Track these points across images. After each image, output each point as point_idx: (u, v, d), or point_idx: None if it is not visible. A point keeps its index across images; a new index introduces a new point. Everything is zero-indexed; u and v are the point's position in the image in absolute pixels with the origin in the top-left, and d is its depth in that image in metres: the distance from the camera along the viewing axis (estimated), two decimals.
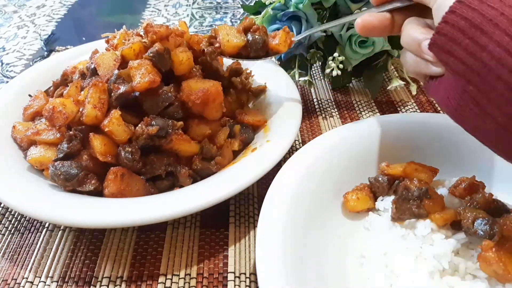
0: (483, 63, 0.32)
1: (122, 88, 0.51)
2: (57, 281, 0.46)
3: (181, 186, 0.51)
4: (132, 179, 0.50)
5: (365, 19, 0.45)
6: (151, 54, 0.53)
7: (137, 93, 0.52)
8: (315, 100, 0.78)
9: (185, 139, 0.52)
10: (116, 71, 0.53)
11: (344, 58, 0.69)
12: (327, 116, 0.73)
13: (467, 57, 0.33)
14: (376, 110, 0.75)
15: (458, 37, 0.33)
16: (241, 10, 1.22)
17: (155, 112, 0.52)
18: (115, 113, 0.50)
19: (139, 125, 0.51)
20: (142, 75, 0.51)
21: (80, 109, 0.52)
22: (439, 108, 0.75)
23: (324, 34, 0.68)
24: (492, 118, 0.33)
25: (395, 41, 0.70)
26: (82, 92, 0.54)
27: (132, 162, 0.49)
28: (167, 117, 0.52)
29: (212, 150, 0.54)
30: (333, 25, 0.56)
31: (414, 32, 0.40)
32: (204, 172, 0.53)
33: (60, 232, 0.52)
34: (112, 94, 0.51)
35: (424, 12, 0.41)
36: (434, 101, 0.77)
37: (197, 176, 0.53)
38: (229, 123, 0.58)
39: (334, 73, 0.69)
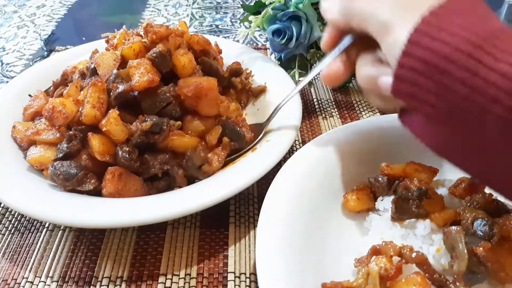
0: (452, 103, 0.30)
1: (121, 87, 0.51)
2: (57, 281, 0.46)
3: (180, 186, 0.51)
4: (130, 179, 0.50)
5: (327, 70, 0.43)
6: (153, 55, 0.53)
7: (136, 93, 0.52)
8: (315, 100, 0.78)
9: (179, 133, 0.52)
10: (115, 71, 0.53)
11: None
12: (327, 116, 0.73)
13: (434, 100, 0.31)
14: (376, 110, 0.75)
15: (419, 81, 0.31)
16: (241, 10, 1.22)
17: (153, 112, 0.52)
18: (113, 112, 0.50)
19: (134, 123, 0.51)
20: (141, 74, 0.51)
21: (80, 109, 0.52)
22: None
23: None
24: (474, 154, 0.32)
25: None
26: (82, 92, 0.54)
27: (129, 161, 0.49)
28: (165, 115, 0.52)
29: (199, 158, 0.52)
30: (305, 83, 0.55)
31: (366, 71, 0.39)
32: (192, 177, 0.53)
33: (60, 232, 0.52)
34: (111, 93, 0.51)
35: (374, 44, 0.39)
36: None
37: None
38: (223, 122, 0.56)
39: None
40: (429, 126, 0.34)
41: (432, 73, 0.31)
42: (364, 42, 0.41)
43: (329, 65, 0.44)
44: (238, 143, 0.55)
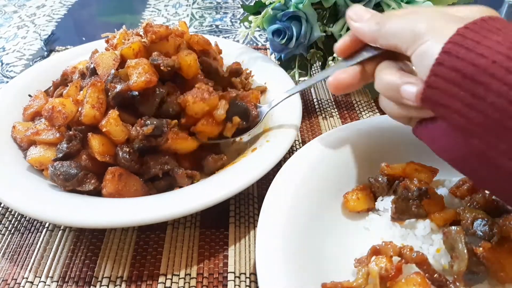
0: (486, 115, 0.30)
1: (118, 87, 0.51)
2: (57, 281, 0.46)
3: (180, 187, 0.52)
4: (130, 179, 0.50)
5: (338, 77, 0.43)
6: (157, 62, 0.53)
7: (135, 93, 0.52)
8: (315, 100, 0.78)
9: (181, 137, 0.52)
10: (112, 71, 0.53)
11: None
12: (327, 116, 0.73)
13: (467, 110, 0.31)
14: (376, 110, 0.75)
15: (452, 90, 0.32)
16: (241, 10, 1.22)
17: (152, 112, 0.52)
18: (113, 113, 0.50)
19: (133, 127, 0.51)
20: (139, 74, 0.51)
21: (79, 109, 0.52)
22: None
23: (324, 34, 0.68)
24: (504, 169, 0.31)
25: None
26: (81, 92, 0.54)
27: (129, 162, 0.49)
28: (163, 115, 0.53)
29: (215, 162, 0.54)
30: (312, 83, 0.54)
31: (389, 77, 0.39)
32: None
33: (60, 232, 0.52)
34: (109, 93, 0.51)
35: (394, 57, 0.40)
36: None
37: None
38: (232, 99, 0.56)
39: None
40: (453, 140, 0.34)
41: (466, 83, 0.31)
42: (383, 57, 0.41)
43: (339, 73, 0.44)
44: (245, 120, 0.56)
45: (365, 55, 0.43)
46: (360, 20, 0.42)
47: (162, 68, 0.52)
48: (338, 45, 0.46)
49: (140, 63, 0.52)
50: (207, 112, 0.53)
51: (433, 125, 0.37)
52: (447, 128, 0.35)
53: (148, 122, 0.50)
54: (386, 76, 0.39)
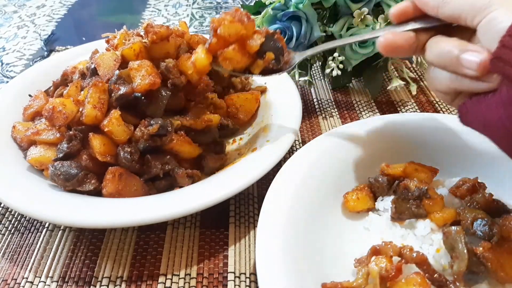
0: None
1: (123, 89, 0.51)
2: (57, 281, 0.46)
3: (181, 186, 0.52)
4: (130, 179, 0.50)
5: (389, 38, 0.41)
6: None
7: (138, 94, 0.52)
8: (315, 100, 0.78)
9: (186, 141, 0.52)
10: (117, 72, 0.53)
11: (344, 58, 0.69)
12: (327, 116, 0.73)
13: None
14: (376, 110, 0.75)
15: None
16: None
17: (160, 114, 0.52)
18: (115, 113, 0.50)
19: (138, 128, 0.51)
20: (143, 77, 0.51)
21: (80, 109, 0.52)
22: (439, 108, 0.75)
23: (324, 34, 0.68)
24: None
25: None
26: (82, 92, 0.54)
27: (131, 162, 0.50)
28: (170, 112, 0.53)
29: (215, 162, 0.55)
30: (346, 42, 0.53)
31: (448, 46, 0.37)
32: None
33: (60, 232, 0.52)
34: (113, 94, 0.51)
35: (449, 33, 0.39)
36: (435, 101, 0.77)
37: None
38: (268, 34, 0.49)
39: (334, 73, 0.69)
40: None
41: None
42: (437, 32, 0.40)
43: (393, 34, 0.41)
44: (277, 61, 0.50)
45: (421, 24, 0.41)
46: None
47: (169, 85, 0.54)
48: (395, 9, 0.43)
49: (143, 65, 0.52)
50: (241, 37, 0.47)
51: (486, 100, 0.35)
52: (506, 101, 0.33)
53: (153, 122, 0.50)
54: (444, 43, 0.37)
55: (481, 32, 0.35)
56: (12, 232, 0.52)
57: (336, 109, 0.75)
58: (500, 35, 0.32)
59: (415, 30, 0.41)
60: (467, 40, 0.37)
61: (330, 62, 0.69)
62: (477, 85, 0.36)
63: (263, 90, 0.67)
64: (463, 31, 0.38)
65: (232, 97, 0.62)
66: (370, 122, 0.57)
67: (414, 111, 0.74)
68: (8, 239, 0.51)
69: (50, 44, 1.02)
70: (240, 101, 0.62)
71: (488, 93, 0.35)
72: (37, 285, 0.46)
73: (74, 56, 0.72)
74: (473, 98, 0.36)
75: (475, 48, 0.35)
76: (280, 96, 0.64)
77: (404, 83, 0.73)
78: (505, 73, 0.32)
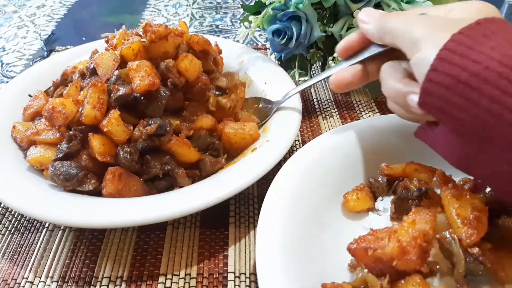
0: (479, 120, 0.31)
1: (122, 90, 0.51)
2: (57, 281, 0.46)
3: (181, 187, 0.52)
4: (130, 179, 0.50)
5: (339, 75, 0.44)
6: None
7: (137, 94, 0.52)
8: (315, 100, 0.78)
9: (186, 143, 0.52)
10: (116, 72, 0.53)
11: None
12: (327, 116, 0.73)
13: (461, 114, 0.32)
14: (376, 110, 0.75)
15: (446, 95, 0.32)
16: (241, 10, 1.22)
17: (159, 114, 0.52)
18: (114, 113, 0.50)
19: (136, 127, 0.51)
20: (142, 78, 0.51)
21: (80, 109, 0.52)
22: None
23: (324, 34, 0.68)
24: (501, 171, 0.32)
25: None
26: (82, 92, 0.54)
27: (130, 162, 0.50)
28: (169, 112, 0.54)
29: (212, 166, 0.54)
30: (315, 81, 0.57)
31: (395, 85, 0.39)
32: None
33: (60, 232, 0.52)
34: (112, 94, 0.51)
35: (396, 54, 0.41)
36: None
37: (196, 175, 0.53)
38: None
39: None
40: (452, 140, 0.35)
41: (461, 89, 0.31)
42: (387, 56, 0.42)
43: (340, 71, 0.44)
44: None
45: (366, 54, 0.43)
46: (369, 20, 0.43)
47: (169, 85, 0.54)
48: (340, 46, 0.47)
49: (141, 65, 0.52)
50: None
51: (435, 128, 0.38)
52: (446, 131, 0.35)
53: (151, 121, 0.50)
54: (392, 84, 0.40)
55: (413, 69, 0.36)
56: (12, 232, 0.52)
57: (336, 109, 0.75)
58: (425, 71, 0.33)
59: (363, 62, 0.44)
60: None
61: (330, 62, 0.69)
62: (428, 118, 0.38)
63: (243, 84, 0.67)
64: None
65: (230, 134, 0.57)
66: (370, 122, 0.57)
67: None
68: (8, 239, 0.51)
69: (50, 44, 1.02)
70: (237, 139, 0.57)
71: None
72: (37, 285, 0.46)
73: (74, 56, 0.72)
74: (424, 126, 0.41)
75: (417, 89, 0.36)
76: (280, 96, 0.64)
77: None
78: (432, 115, 0.35)
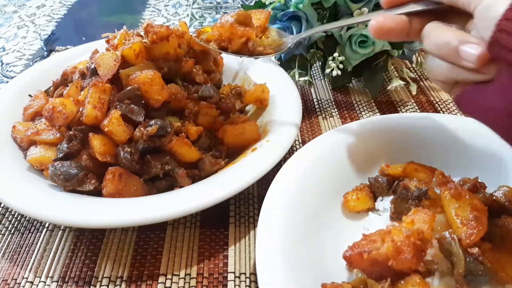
0: None
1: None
2: (57, 281, 0.46)
3: (181, 187, 0.52)
4: (130, 179, 0.50)
5: (380, 21, 0.40)
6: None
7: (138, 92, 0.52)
8: (315, 100, 0.78)
9: (186, 143, 0.52)
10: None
11: (344, 58, 0.69)
12: (327, 116, 0.73)
13: None
14: (376, 110, 0.75)
15: None
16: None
17: (163, 114, 0.53)
18: (115, 113, 0.50)
19: (137, 128, 0.51)
20: (158, 92, 0.52)
21: (80, 109, 0.52)
22: (439, 108, 0.75)
23: (324, 34, 0.68)
24: None
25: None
26: (82, 92, 0.54)
27: (131, 162, 0.50)
28: (170, 112, 0.54)
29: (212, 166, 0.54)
30: (335, 26, 0.54)
31: (447, 36, 0.36)
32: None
33: (60, 232, 0.52)
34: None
35: (443, 18, 0.39)
36: (435, 101, 0.77)
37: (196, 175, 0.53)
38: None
39: (334, 73, 0.69)
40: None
41: None
42: (430, 15, 0.39)
43: (385, 16, 0.41)
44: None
45: (415, 6, 0.40)
46: None
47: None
48: None
49: (154, 79, 0.52)
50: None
51: (485, 89, 0.35)
52: (507, 87, 0.33)
53: (152, 122, 0.50)
54: (443, 33, 0.37)
55: (477, 17, 0.34)
56: (12, 232, 0.52)
57: (336, 109, 0.75)
58: (496, 20, 0.31)
59: (408, 14, 0.40)
60: (463, 25, 0.37)
61: (330, 62, 0.69)
62: (475, 77, 0.35)
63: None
64: (458, 15, 0.37)
65: (230, 134, 0.57)
66: (370, 122, 0.57)
67: (414, 111, 0.74)
68: (8, 239, 0.51)
69: (50, 44, 1.02)
70: (237, 139, 0.58)
71: (487, 82, 0.35)
72: (37, 285, 0.46)
73: (74, 56, 0.72)
74: (472, 86, 0.36)
75: (474, 40, 0.35)
76: (280, 96, 0.64)
77: (404, 83, 0.73)
78: (502, 57, 0.32)
